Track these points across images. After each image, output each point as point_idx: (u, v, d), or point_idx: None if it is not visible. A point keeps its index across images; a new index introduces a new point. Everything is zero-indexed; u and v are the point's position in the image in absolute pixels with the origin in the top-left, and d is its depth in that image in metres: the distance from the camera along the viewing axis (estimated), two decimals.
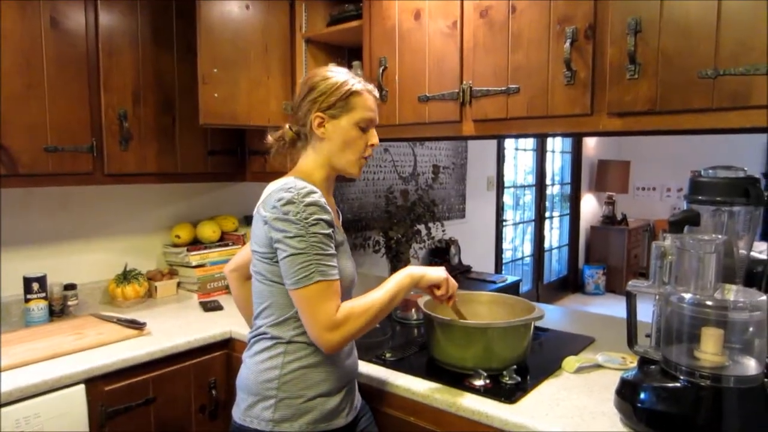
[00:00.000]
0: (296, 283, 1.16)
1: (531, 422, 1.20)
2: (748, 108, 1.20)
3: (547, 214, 5.93)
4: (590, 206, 6.71)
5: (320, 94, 1.29)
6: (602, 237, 6.41)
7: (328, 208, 1.22)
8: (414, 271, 1.32)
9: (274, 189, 1.23)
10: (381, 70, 1.82)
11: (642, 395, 1.14)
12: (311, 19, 2.11)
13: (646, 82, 1.32)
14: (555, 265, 6.22)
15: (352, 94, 1.29)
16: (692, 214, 1.23)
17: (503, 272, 5.04)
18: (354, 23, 1.93)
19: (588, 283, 6.24)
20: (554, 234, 6.20)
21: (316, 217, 1.17)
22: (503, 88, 1.56)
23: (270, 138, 1.41)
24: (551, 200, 6.05)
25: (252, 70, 1.99)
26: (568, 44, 1.41)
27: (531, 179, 5.67)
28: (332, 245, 1.21)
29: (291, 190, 1.19)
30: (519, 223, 5.54)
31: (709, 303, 1.09)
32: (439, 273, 1.35)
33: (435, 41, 1.71)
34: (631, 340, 1.23)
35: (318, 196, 1.20)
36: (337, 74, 1.31)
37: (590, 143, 6.57)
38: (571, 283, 6.34)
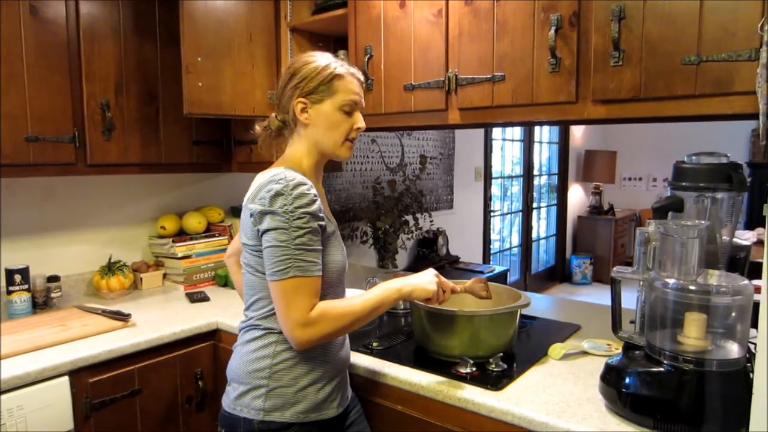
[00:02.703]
0: (273, 275, 1.17)
1: (517, 409, 1.20)
2: (731, 94, 1.21)
3: (535, 205, 5.96)
4: (577, 196, 6.75)
5: (302, 79, 1.27)
6: (589, 227, 6.46)
7: (318, 199, 1.20)
8: (404, 286, 1.27)
9: (263, 181, 1.22)
10: (366, 59, 1.81)
11: (626, 380, 1.15)
12: (296, 8, 2.08)
13: (630, 69, 1.32)
14: (542, 255, 6.26)
15: (335, 77, 1.27)
16: (676, 200, 1.23)
17: (491, 262, 5.06)
18: (339, 12, 1.91)
19: (575, 273, 6.29)
20: (542, 224, 6.24)
21: (303, 210, 1.16)
22: (488, 76, 1.56)
23: (257, 128, 1.39)
24: (538, 191, 6.07)
25: (236, 59, 1.97)
26: (552, 32, 1.41)
27: (518, 170, 5.68)
28: (318, 239, 1.19)
29: (281, 182, 1.17)
30: (507, 213, 5.57)
31: (692, 288, 1.10)
32: (429, 286, 1.29)
33: (420, 29, 1.70)
34: (616, 326, 1.24)
35: (307, 188, 1.18)
36: (319, 58, 1.30)
37: (577, 133, 6.60)
38: (558, 273, 6.38)
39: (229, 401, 1.28)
